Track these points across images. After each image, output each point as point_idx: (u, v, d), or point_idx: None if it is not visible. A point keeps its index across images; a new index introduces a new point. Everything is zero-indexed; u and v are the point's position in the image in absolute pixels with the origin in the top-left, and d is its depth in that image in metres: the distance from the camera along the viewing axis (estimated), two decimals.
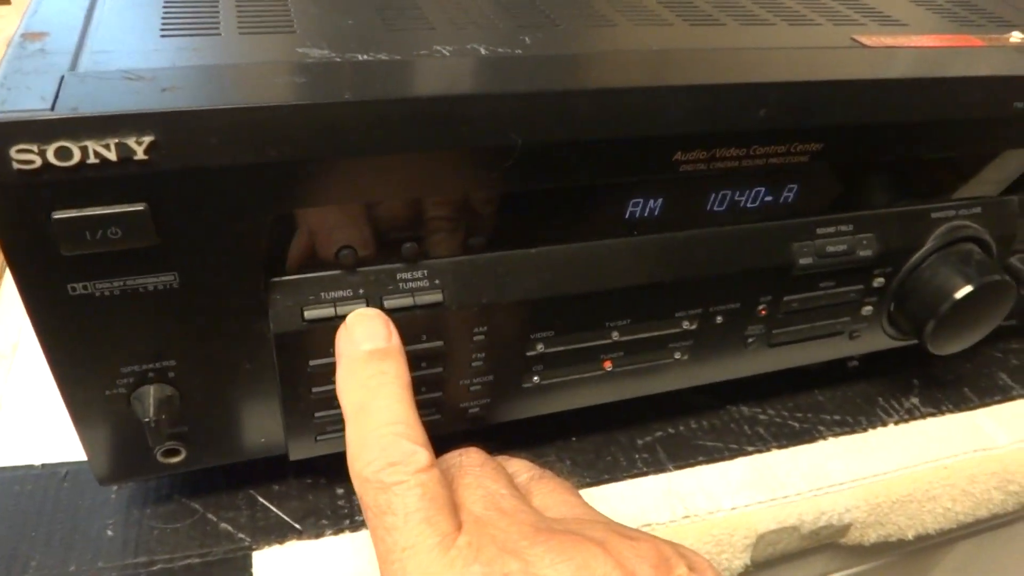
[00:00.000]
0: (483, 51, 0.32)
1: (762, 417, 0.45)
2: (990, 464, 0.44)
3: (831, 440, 0.44)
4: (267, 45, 0.31)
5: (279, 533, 0.36)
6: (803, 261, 0.38)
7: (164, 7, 0.34)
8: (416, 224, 0.31)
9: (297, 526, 0.36)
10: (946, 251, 0.41)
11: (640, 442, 0.42)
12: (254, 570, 0.34)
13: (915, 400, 0.47)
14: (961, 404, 0.47)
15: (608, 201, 0.34)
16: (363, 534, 0.36)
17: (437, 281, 0.32)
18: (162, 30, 0.31)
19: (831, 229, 0.39)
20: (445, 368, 0.34)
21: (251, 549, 0.35)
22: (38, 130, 0.24)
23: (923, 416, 0.46)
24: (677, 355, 0.39)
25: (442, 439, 0.38)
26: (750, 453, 0.43)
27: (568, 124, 0.29)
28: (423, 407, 0.35)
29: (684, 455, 0.42)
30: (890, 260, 0.40)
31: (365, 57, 0.30)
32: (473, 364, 0.35)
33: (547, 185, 0.31)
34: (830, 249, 0.39)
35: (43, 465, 0.38)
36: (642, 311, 0.36)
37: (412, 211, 0.31)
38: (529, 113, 0.29)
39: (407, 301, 0.32)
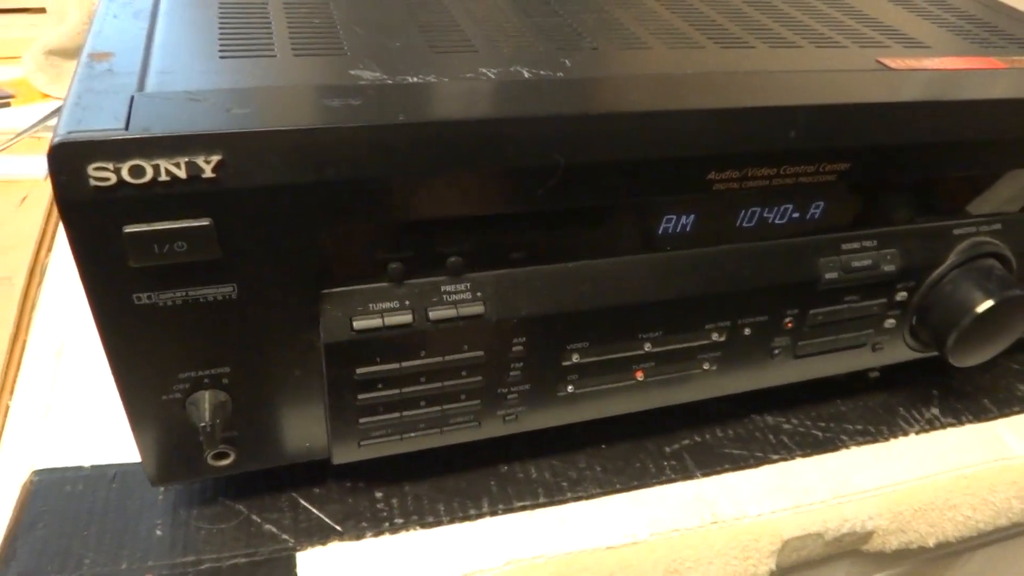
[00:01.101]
0: (526, 74, 0.33)
1: (786, 426, 0.46)
2: (1009, 474, 0.45)
3: (854, 449, 0.45)
4: (321, 67, 0.33)
5: (321, 535, 0.37)
6: (829, 276, 0.39)
7: (220, 29, 0.35)
8: (462, 239, 0.33)
9: (338, 528, 0.38)
10: (967, 266, 0.42)
11: (668, 450, 0.44)
12: (298, 570, 0.35)
13: (935, 411, 0.48)
14: (981, 415, 0.48)
15: (643, 218, 0.36)
16: (402, 536, 0.37)
17: (479, 294, 0.34)
18: (220, 52, 0.33)
19: (856, 245, 0.40)
20: (485, 376, 0.35)
21: (295, 550, 0.36)
22: (114, 149, 0.26)
23: (943, 426, 0.47)
24: (706, 366, 0.40)
25: (476, 445, 0.39)
26: (775, 461, 0.44)
27: (609, 145, 0.31)
28: (462, 415, 0.36)
29: (711, 462, 0.43)
30: (913, 275, 0.42)
31: (415, 79, 0.32)
32: (511, 373, 0.36)
33: (588, 203, 0.33)
34: (855, 264, 0.40)
35: (92, 466, 0.39)
36: (674, 323, 0.38)
37: (458, 227, 0.32)
38: (572, 134, 0.30)
39: (451, 312, 0.33)
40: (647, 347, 0.38)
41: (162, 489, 0.39)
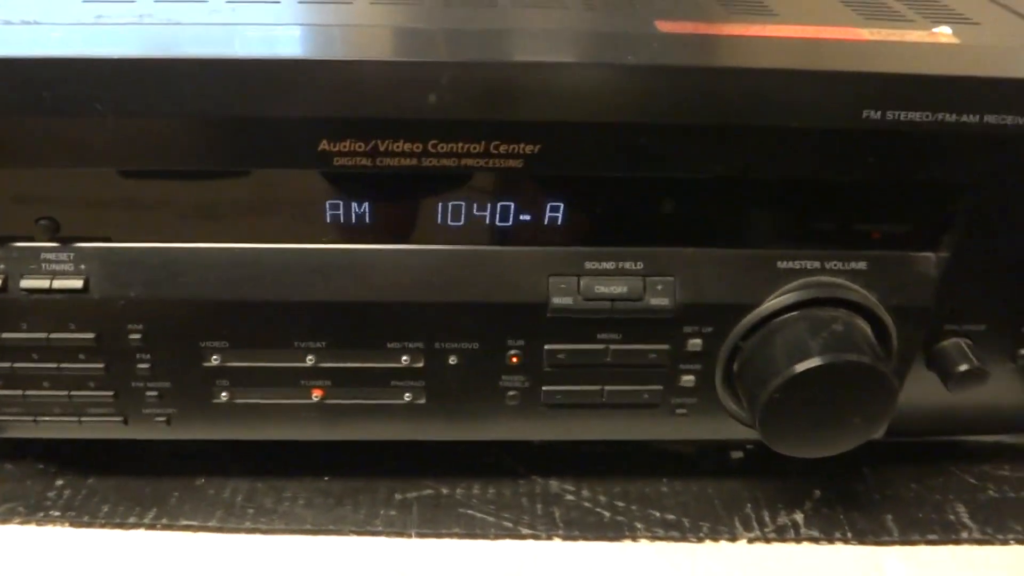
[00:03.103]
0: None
1: (569, 497, 0.36)
2: None
3: (643, 544, 0.34)
4: None
5: None
6: (559, 300, 0.30)
7: None
8: (50, 198, 0.29)
9: None
10: (797, 315, 0.30)
11: (399, 497, 0.36)
12: None
13: (798, 516, 0.35)
14: (868, 535, 0.34)
15: (298, 199, 0.30)
16: (45, 530, 0.34)
17: (83, 266, 0.30)
18: None
19: (608, 264, 0.30)
20: (108, 365, 0.31)
21: None
22: None
23: (797, 539, 0.34)
24: (408, 396, 0.32)
25: (184, 452, 0.35)
26: (523, 537, 0.34)
27: (163, 95, 0.26)
28: (99, 406, 0.32)
29: (440, 523, 0.34)
30: (707, 317, 0.31)
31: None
32: (140, 366, 0.31)
33: (174, 167, 0.28)
34: (600, 290, 0.30)
35: None
36: (341, 335, 0.31)
37: (42, 182, 0.29)
38: (114, 81, 0.25)
39: (44, 283, 0.29)
40: (311, 360, 0.31)
41: None
